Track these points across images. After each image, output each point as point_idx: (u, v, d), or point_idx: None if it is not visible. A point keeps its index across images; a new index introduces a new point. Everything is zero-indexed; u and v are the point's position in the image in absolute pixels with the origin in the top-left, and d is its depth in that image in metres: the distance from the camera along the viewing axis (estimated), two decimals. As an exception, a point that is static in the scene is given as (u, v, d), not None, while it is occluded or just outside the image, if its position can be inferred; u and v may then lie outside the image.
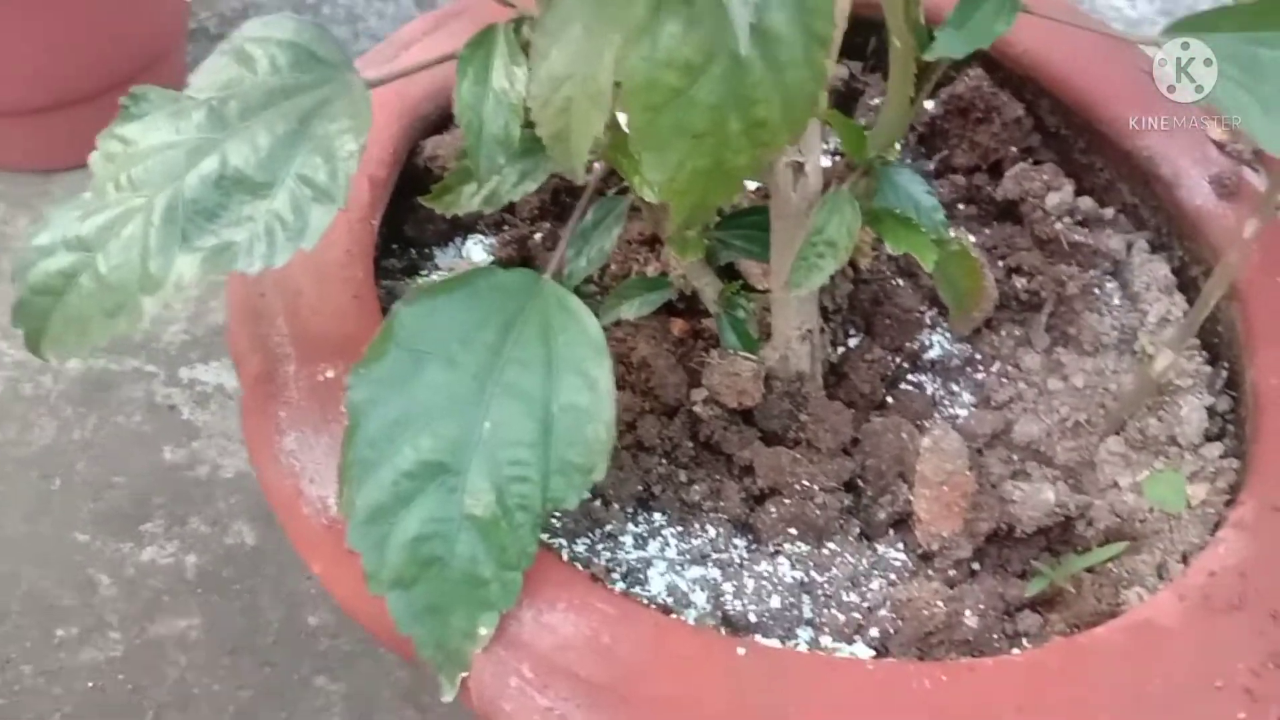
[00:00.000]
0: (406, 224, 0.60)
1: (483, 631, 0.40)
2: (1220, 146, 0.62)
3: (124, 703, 0.74)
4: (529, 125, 0.42)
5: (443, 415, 0.41)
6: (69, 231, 0.41)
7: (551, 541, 0.48)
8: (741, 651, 0.41)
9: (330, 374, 0.47)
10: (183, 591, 0.80)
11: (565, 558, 0.48)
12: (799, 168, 0.46)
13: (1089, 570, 0.50)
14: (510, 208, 0.62)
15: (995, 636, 0.47)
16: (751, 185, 0.61)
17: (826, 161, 0.65)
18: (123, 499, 0.85)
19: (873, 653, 0.47)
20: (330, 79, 0.43)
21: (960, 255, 0.52)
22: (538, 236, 0.61)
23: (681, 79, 0.35)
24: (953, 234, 0.57)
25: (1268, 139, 0.34)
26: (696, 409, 0.54)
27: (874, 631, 0.47)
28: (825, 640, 0.47)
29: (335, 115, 0.41)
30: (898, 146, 0.68)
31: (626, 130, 0.37)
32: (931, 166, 0.69)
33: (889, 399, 0.58)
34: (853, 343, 0.59)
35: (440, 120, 0.61)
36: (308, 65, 0.43)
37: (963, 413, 0.58)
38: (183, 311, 0.97)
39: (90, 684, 0.75)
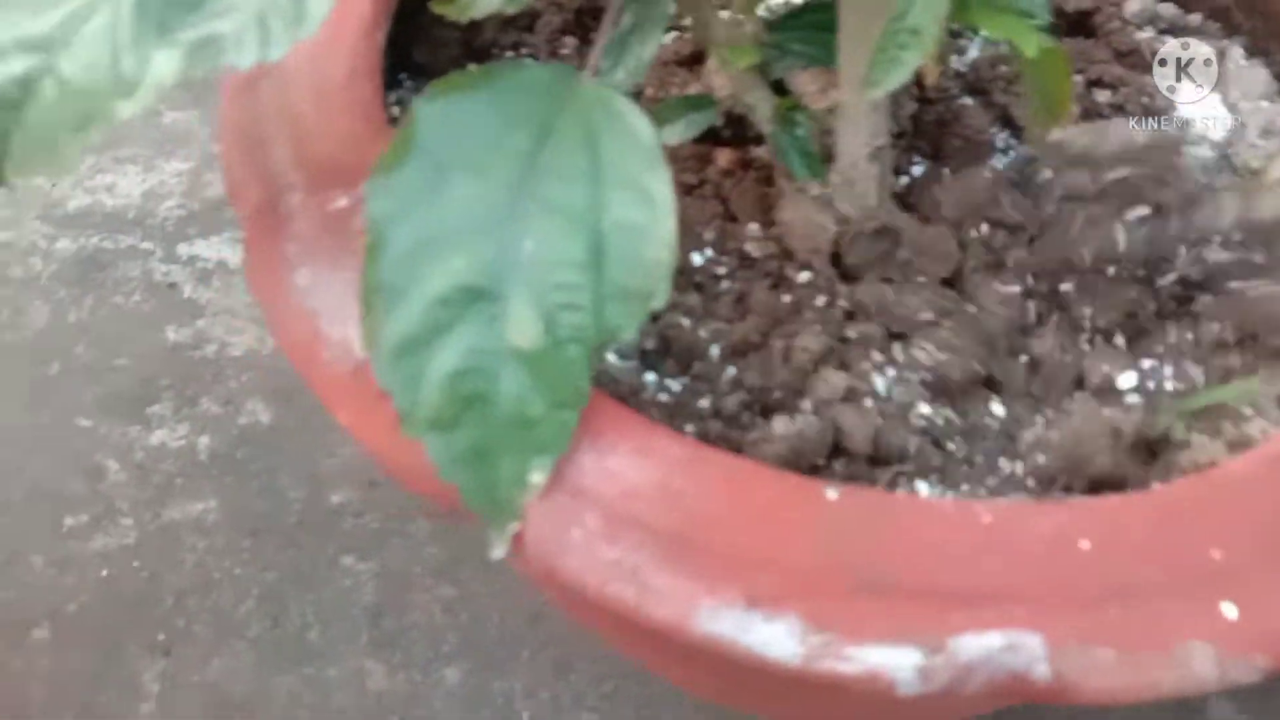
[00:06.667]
0: (415, 49, 0.54)
1: (536, 478, 0.35)
2: (1334, -73, 0.55)
3: (141, 590, 0.70)
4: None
5: (476, 233, 0.35)
6: (21, 30, 0.34)
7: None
8: (832, 495, 0.36)
9: (343, 203, 0.41)
10: (196, 474, 0.75)
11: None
12: (877, -62, 0.39)
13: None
14: (529, 26, 0.55)
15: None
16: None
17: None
18: (127, 382, 0.80)
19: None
20: None
21: (1053, 52, 0.45)
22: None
23: None
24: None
25: None
26: (747, 247, 0.48)
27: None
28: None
29: (331, -122, 0.35)
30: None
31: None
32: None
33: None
34: (917, 170, 0.53)
35: (449, -75, 0.54)
36: None
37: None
38: (178, 185, 0.91)
39: (104, 572, 0.71)
